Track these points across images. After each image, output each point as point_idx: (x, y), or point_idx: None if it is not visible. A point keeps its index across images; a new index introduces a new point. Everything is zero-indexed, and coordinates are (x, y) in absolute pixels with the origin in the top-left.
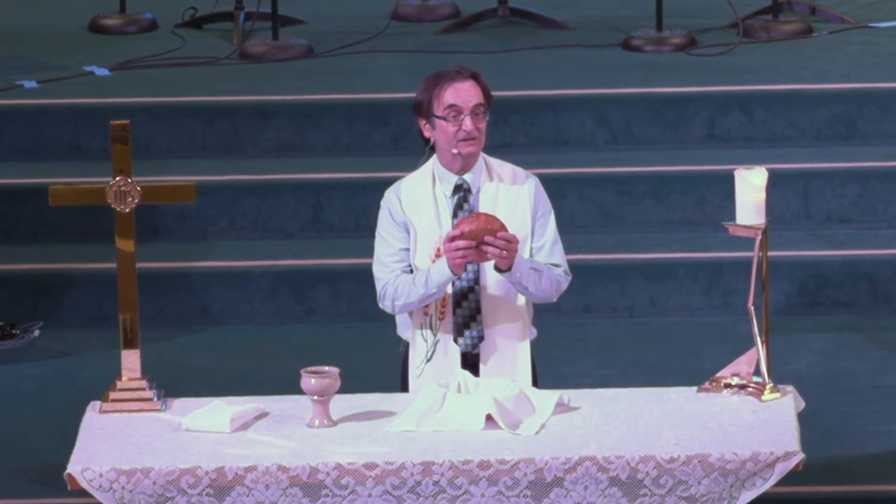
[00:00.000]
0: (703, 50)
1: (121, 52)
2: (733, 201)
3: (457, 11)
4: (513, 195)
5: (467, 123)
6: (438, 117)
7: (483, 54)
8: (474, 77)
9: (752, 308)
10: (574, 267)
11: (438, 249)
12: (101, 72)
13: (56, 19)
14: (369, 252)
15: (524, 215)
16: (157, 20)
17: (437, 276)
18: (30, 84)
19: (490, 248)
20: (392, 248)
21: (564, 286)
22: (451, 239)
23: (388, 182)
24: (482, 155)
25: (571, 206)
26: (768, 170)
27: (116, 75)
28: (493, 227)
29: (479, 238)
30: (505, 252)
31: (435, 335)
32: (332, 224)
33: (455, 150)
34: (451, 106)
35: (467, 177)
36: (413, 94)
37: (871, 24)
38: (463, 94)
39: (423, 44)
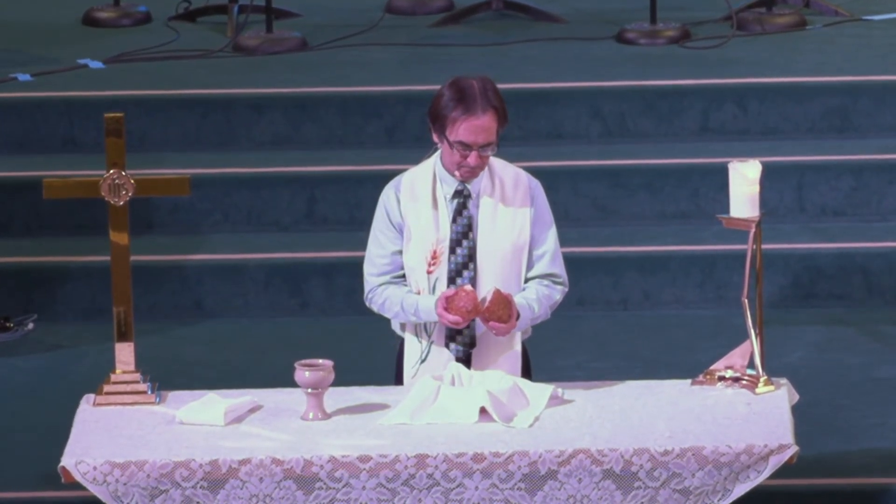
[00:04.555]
0: (697, 43)
1: (115, 44)
2: (727, 194)
3: (451, 4)
4: (513, 203)
5: (472, 159)
6: (448, 142)
7: (477, 47)
8: (493, 108)
9: (746, 301)
10: (568, 260)
11: (434, 252)
12: (95, 65)
13: (50, 12)
14: (363, 245)
15: (524, 222)
16: (151, 13)
17: (426, 315)
18: (23, 77)
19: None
20: (384, 249)
21: (560, 300)
22: (444, 309)
23: (383, 175)
24: None
25: (565, 199)
26: (762, 163)
27: (110, 68)
28: (490, 318)
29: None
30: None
31: (430, 337)
32: (326, 217)
33: (456, 173)
34: (461, 142)
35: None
36: (407, 87)
37: (864, 17)
38: (477, 133)
39: (416, 37)
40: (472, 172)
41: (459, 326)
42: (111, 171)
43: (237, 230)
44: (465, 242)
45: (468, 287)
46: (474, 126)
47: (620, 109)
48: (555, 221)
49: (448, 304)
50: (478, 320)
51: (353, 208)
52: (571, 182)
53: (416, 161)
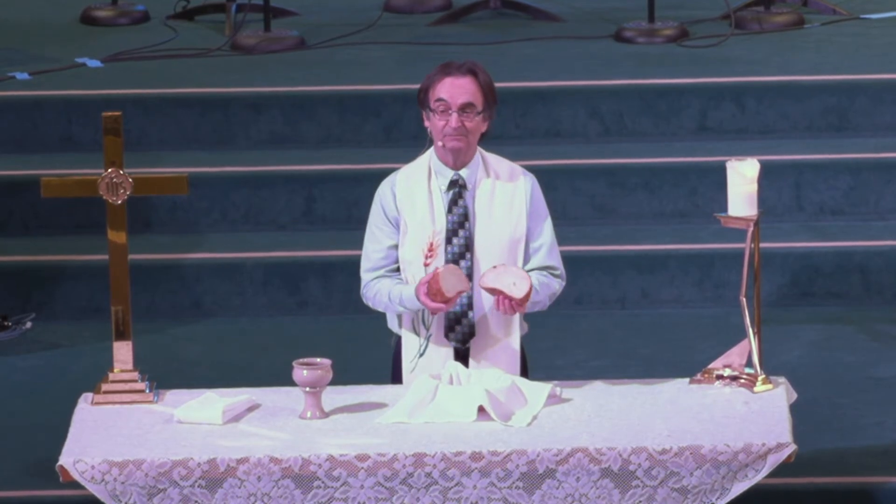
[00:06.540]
0: (696, 41)
1: (113, 43)
2: (725, 193)
3: (449, 3)
4: (508, 195)
5: (453, 120)
6: (430, 109)
7: (475, 46)
8: (473, 74)
9: (744, 299)
10: (566, 258)
11: (431, 244)
12: (93, 63)
13: (48, 11)
14: (361, 244)
15: (520, 215)
16: (149, 12)
17: (410, 303)
18: (22, 76)
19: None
20: (380, 244)
21: (559, 292)
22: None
23: (380, 174)
24: (479, 150)
25: (563, 197)
26: (760, 161)
27: (108, 67)
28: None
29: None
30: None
31: (428, 330)
32: (324, 216)
33: (441, 143)
34: (440, 100)
35: (463, 172)
36: (405, 86)
37: (863, 16)
38: (454, 89)
39: (415, 36)
40: (459, 140)
41: (448, 308)
42: (109, 170)
43: (235, 229)
44: (461, 232)
45: (440, 268)
46: (453, 83)
47: (618, 108)
48: (553, 220)
49: (428, 290)
50: (477, 310)
51: (351, 207)
52: (569, 181)
53: (414, 159)
